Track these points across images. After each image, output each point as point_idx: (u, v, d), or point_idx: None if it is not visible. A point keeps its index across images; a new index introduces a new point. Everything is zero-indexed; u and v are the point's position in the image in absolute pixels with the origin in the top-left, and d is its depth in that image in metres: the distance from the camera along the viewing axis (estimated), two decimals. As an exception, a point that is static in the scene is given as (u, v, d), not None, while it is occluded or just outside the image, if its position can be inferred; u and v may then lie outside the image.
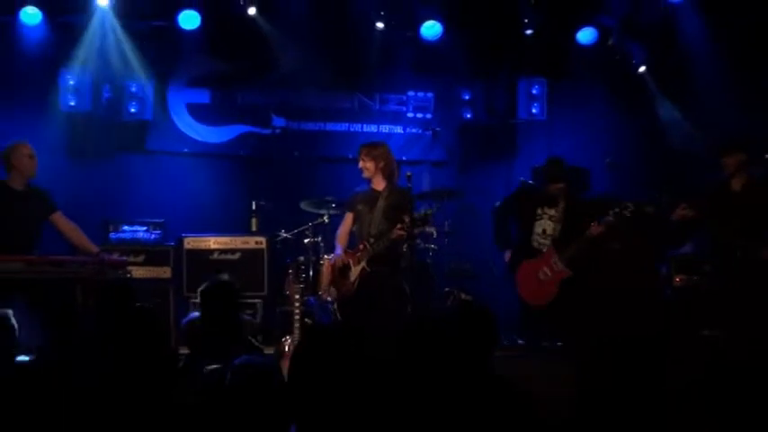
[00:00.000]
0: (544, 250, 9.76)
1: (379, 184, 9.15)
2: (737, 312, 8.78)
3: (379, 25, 11.63)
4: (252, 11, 11.27)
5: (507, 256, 9.93)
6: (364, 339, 3.99)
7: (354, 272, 8.98)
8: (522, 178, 10.79)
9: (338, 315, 9.62)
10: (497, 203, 10.24)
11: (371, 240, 8.93)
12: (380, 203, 9.06)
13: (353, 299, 8.97)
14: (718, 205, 9.06)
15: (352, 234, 9.48)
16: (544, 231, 9.80)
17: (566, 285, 9.58)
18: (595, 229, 9.46)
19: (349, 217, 9.34)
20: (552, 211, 9.78)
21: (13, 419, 4.08)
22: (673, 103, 12.03)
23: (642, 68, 12.07)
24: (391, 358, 4.39)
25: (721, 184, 9.20)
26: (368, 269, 8.93)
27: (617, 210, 9.38)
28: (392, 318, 8.68)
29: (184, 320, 7.21)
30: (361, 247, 9.01)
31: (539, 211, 9.84)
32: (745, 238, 8.85)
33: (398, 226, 8.71)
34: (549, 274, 9.62)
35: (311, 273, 10.31)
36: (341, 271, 9.06)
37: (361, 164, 9.13)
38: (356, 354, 3.83)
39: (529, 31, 11.72)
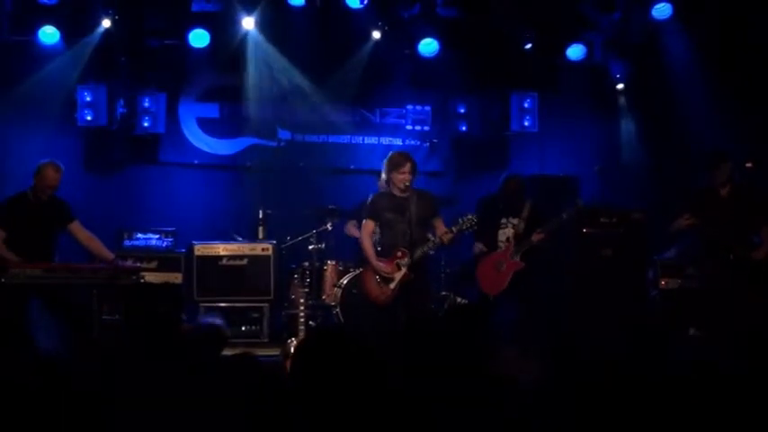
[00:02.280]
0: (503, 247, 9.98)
1: (401, 192, 8.85)
2: (730, 312, 8.93)
3: (376, 35, 11.76)
4: (249, 23, 11.50)
5: (477, 247, 10.09)
6: (366, 340, 3.95)
7: (396, 278, 8.79)
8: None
9: (341, 318, 9.93)
10: None
11: (409, 247, 8.76)
12: (412, 211, 8.80)
13: (394, 304, 8.81)
14: (707, 211, 9.21)
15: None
16: (507, 239, 9.97)
17: (517, 278, 9.82)
18: (537, 236, 9.75)
19: (371, 224, 9.05)
20: (515, 221, 9.97)
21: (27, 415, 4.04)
22: (649, 117, 12.30)
23: (620, 86, 12.33)
24: (395, 358, 4.39)
25: (709, 192, 9.32)
26: (410, 275, 8.78)
27: (558, 217, 9.77)
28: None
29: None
30: (399, 254, 8.78)
31: (502, 221, 10.04)
32: (736, 241, 9.08)
33: (445, 231, 8.81)
34: (505, 265, 9.82)
35: (315, 277, 10.46)
36: (381, 279, 8.85)
37: (407, 177, 8.75)
38: (358, 354, 3.82)
39: (528, 45, 11.88)
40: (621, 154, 12.46)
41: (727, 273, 9.13)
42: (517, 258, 9.83)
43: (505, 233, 10.02)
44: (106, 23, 11.25)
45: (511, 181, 10.18)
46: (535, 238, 9.78)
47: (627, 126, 12.49)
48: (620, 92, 12.43)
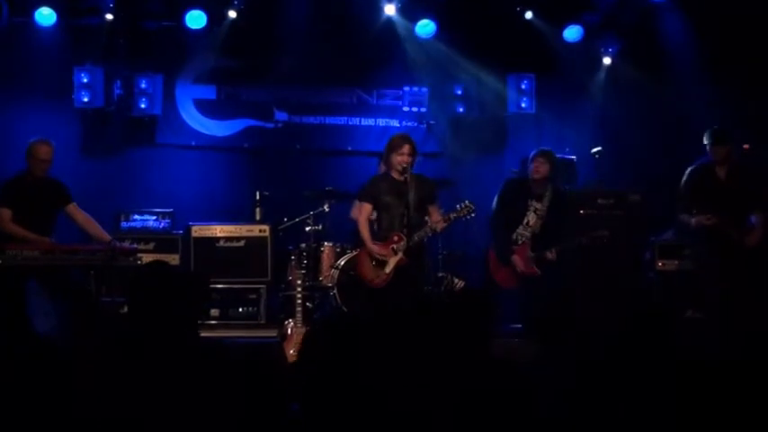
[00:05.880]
0: (520, 240, 9.80)
1: (399, 175, 8.84)
2: (723, 295, 9.04)
3: (390, 9, 11.73)
4: (232, 14, 11.57)
5: (516, 261, 9.81)
6: (367, 327, 3.98)
7: (391, 263, 8.82)
8: (513, 169, 10.94)
9: (338, 300, 9.85)
10: (494, 206, 10.10)
11: (406, 232, 8.76)
12: (412, 195, 8.75)
13: (388, 289, 8.85)
14: (704, 191, 9.27)
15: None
16: (528, 223, 9.82)
17: (530, 280, 9.74)
18: (551, 255, 9.62)
19: (368, 207, 9.05)
20: (539, 205, 9.80)
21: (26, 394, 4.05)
22: (644, 98, 12.23)
23: (607, 60, 12.34)
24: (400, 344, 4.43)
25: (707, 171, 9.35)
26: (406, 259, 8.81)
27: (577, 240, 9.68)
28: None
29: None
30: (395, 238, 8.82)
31: (528, 204, 9.84)
32: (732, 225, 9.11)
33: (440, 219, 8.83)
34: (520, 264, 9.74)
35: (312, 259, 10.39)
36: (376, 263, 8.92)
37: (405, 158, 8.76)
38: (360, 341, 3.86)
39: (529, 15, 11.89)
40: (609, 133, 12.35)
41: (720, 257, 9.20)
42: (532, 264, 9.71)
43: (527, 217, 9.87)
44: (103, 4, 11.24)
45: (537, 160, 9.91)
46: (549, 256, 9.65)
47: (613, 104, 12.45)
48: (608, 68, 12.41)
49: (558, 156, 11.29)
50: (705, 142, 9.40)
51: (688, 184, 9.46)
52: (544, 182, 9.86)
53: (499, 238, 10.01)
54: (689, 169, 9.55)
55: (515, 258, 9.77)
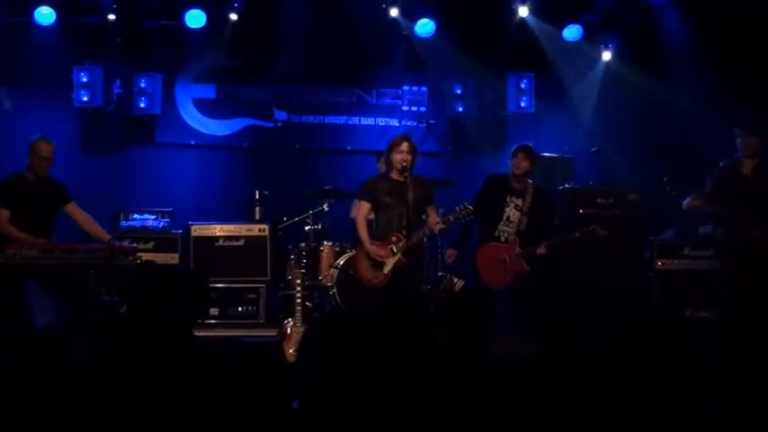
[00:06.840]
0: (503, 237, 9.79)
1: (399, 175, 8.80)
2: (746, 293, 8.98)
3: (394, 12, 11.80)
4: (233, 16, 11.63)
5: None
6: (369, 326, 3.93)
7: (389, 263, 8.78)
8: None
9: (338, 299, 9.80)
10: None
11: (404, 233, 8.69)
12: (411, 196, 8.66)
13: (386, 289, 8.82)
14: (729, 186, 9.20)
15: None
16: (508, 219, 9.78)
17: (521, 276, 9.68)
18: (540, 250, 9.56)
19: (366, 206, 9.00)
20: (519, 201, 9.77)
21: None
22: (644, 97, 12.14)
23: (607, 59, 12.32)
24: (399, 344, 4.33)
25: (732, 168, 9.30)
26: (404, 260, 8.75)
27: (570, 236, 9.65)
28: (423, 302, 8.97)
29: None
30: (394, 239, 8.77)
31: (507, 200, 9.82)
32: (755, 222, 9.03)
33: (438, 221, 8.78)
34: (509, 262, 9.67)
35: (312, 258, 10.38)
36: (374, 263, 8.88)
37: (404, 156, 8.72)
38: (361, 339, 3.81)
39: (524, 12, 11.85)
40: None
41: (743, 254, 9.12)
42: (522, 261, 9.66)
43: (506, 213, 9.83)
44: (103, 3, 11.26)
45: (518, 155, 9.88)
46: (539, 251, 9.63)
47: (612, 103, 12.40)
48: (607, 67, 12.38)
49: (556, 155, 11.39)
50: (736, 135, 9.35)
51: (712, 178, 9.42)
52: (525, 178, 9.87)
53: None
54: (721, 163, 9.49)
55: (504, 256, 9.76)
